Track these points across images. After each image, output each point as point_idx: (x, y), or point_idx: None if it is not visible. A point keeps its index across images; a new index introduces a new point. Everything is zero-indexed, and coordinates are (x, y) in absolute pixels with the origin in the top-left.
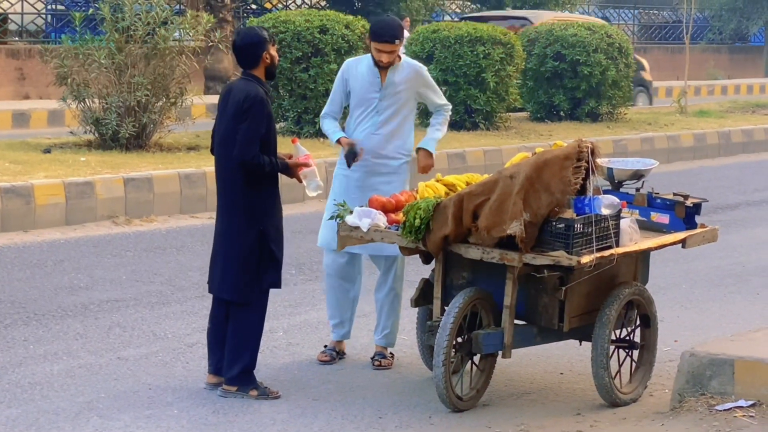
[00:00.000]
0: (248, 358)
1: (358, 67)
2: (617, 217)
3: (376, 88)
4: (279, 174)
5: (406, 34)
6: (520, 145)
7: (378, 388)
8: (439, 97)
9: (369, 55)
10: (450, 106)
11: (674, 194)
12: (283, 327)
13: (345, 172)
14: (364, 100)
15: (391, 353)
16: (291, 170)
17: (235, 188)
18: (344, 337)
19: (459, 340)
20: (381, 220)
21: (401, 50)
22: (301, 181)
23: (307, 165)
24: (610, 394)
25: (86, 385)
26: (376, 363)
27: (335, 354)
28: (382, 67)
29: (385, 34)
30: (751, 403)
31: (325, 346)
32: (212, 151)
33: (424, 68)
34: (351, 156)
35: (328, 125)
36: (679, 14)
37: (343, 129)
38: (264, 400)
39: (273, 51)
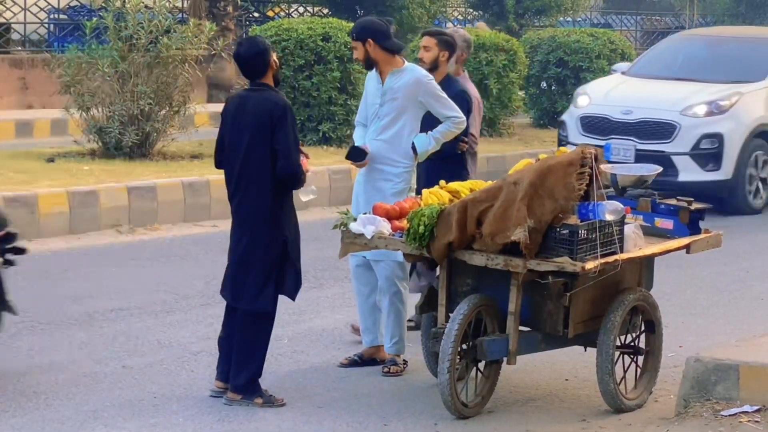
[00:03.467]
0: (255, 367)
1: (371, 77)
2: (621, 222)
3: (378, 94)
4: None
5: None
6: (523, 151)
7: (383, 396)
8: (445, 108)
9: None
10: (460, 119)
11: (678, 199)
12: (288, 335)
13: (358, 178)
14: (371, 106)
15: (404, 360)
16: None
17: (261, 201)
18: (370, 343)
19: (464, 346)
20: (385, 227)
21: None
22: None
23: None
24: (615, 400)
25: (91, 394)
26: (386, 369)
27: (357, 359)
28: (368, 68)
29: (350, 33)
30: (756, 408)
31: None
32: (218, 166)
33: (427, 77)
34: (353, 154)
35: (356, 133)
36: (681, 20)
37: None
38: (269, 408)
39: (275, 57)
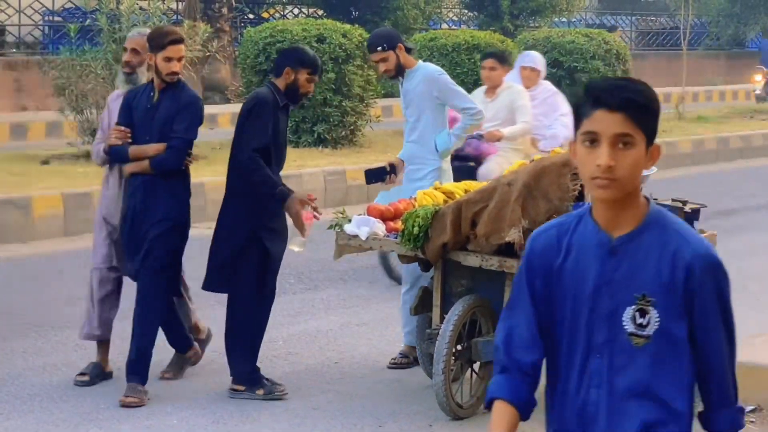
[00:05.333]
0: (244, 351)
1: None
2: None
3: (403, 98)
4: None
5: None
6: None
7: (378, 397)
8: (460, 100)
9: None
10: (476, 110)
11: (673, 200)
12: (282, 336)
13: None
14: (403, 110)
15: (415, 358)
16: (292, 206)
17: (234, 188)
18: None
19: (459, 347)
20: (379, 228)
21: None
22: (300, 225)
23: (308, 219)
24: None
25: (86, 395)
26: (393, 360)
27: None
28: (393, 77)
29: (368, 46)
30: (751, 408)
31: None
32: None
33: (438, 72)
34: (373, 175)
35: None
36: (676, 20)
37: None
38: (264, 409)
39: (301, 75)
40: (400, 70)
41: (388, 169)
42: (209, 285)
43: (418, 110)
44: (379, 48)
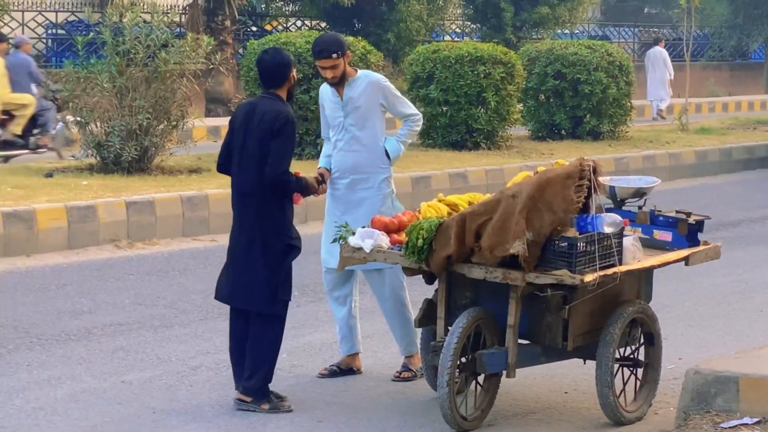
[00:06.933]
0: (267, 371)
1: (326, 91)
2: (620, 235)
3: (339, 107)
4: None
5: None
6: (521, 164)
7: (382, 409)
8: (405, 107)
9: None
10: (419, 117)
11: (677, 212)
12: (286, 349)
13: (330, 190)
14: (334, 120)
15: (419, 369)
16: (310, 188)
17: (264, 204)
18: (347, 352)
19: (463, 360)
20: (383, 240)
21: None
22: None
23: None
24: (614, 413)
25: (90, 409)
26: (397, 374)
27: (336, 369)
28: (336, 84)
29: (320, 51)
30: (756, 420)
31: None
32: (219, 169)
33: (383, 79)
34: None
35: (324, 148)
36: (679, 32)
37: None
38: (269, 422)
39: (294, 73)
40: (342, 79)
41: (320, 179)
42: (238, 300)
43: (362, 119)
44: (335, 55)
